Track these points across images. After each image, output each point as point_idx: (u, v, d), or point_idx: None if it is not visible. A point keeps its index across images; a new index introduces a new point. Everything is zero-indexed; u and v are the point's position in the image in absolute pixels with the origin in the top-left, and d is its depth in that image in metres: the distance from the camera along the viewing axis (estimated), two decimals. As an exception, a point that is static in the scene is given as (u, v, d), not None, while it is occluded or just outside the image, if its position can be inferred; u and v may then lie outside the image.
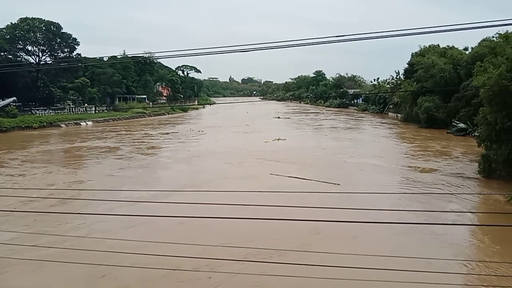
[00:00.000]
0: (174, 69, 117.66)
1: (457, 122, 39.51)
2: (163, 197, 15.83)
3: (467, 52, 49.19)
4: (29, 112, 56.96)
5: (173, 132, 48.62)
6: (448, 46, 54.12)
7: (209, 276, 10.11)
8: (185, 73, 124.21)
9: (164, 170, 25.95)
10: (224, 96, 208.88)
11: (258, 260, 10.39)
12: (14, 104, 54.29)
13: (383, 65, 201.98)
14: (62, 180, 22.34)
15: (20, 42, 64.52)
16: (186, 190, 17.84)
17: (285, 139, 38.07)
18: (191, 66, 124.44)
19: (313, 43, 6.78)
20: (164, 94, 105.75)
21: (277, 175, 22.56)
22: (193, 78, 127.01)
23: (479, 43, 43.46)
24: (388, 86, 72.65)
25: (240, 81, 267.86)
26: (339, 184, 20.51)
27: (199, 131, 48.26)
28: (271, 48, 7.13)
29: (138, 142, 38.95)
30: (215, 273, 10.12)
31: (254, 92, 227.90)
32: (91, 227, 13.94)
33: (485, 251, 12.12)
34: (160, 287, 10.16)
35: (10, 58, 60.27)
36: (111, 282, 10.20)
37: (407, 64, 58.76)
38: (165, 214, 11.02)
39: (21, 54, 64.91)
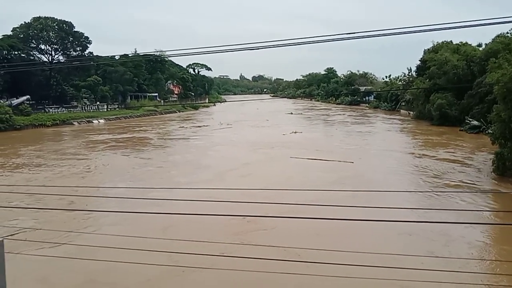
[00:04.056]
0: (185, 67, 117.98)
1: (470, 119, 38.86)
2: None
3: (480, 49, 48.32)
4: (42, 110, 57.68)
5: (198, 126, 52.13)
6: (461, 42, 53.26)
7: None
8: (196, 71, 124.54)
9: (205, 157, 28.81)
10: (235, 94, 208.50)
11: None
12: (28, 102, 55.19)
13: (395, 62, 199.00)
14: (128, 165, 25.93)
15: (33, 41, 65.36)
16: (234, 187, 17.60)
17: (301, 132, 41.32)
18: (202, 64, 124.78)
19: (323, 41, 6.75)
20: (175, 92, 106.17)
21: (296, 157, 26.11)
22: (204, 76, 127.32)
23: (493, 39, 42.71)
24: (400, 83, 71.91)
25: (250, 79, 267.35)
26: (352, 162, 24.15)
27: (227, 124, 52.30)
28: (282, 45, 7.07)
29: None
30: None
31: (265, 90, 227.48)
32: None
33: (501, 250, 11.93)
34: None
35: (24, 57, 60.99)
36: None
37: (420, 61, 57.88)
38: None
39: (34, 53, 65.68)
